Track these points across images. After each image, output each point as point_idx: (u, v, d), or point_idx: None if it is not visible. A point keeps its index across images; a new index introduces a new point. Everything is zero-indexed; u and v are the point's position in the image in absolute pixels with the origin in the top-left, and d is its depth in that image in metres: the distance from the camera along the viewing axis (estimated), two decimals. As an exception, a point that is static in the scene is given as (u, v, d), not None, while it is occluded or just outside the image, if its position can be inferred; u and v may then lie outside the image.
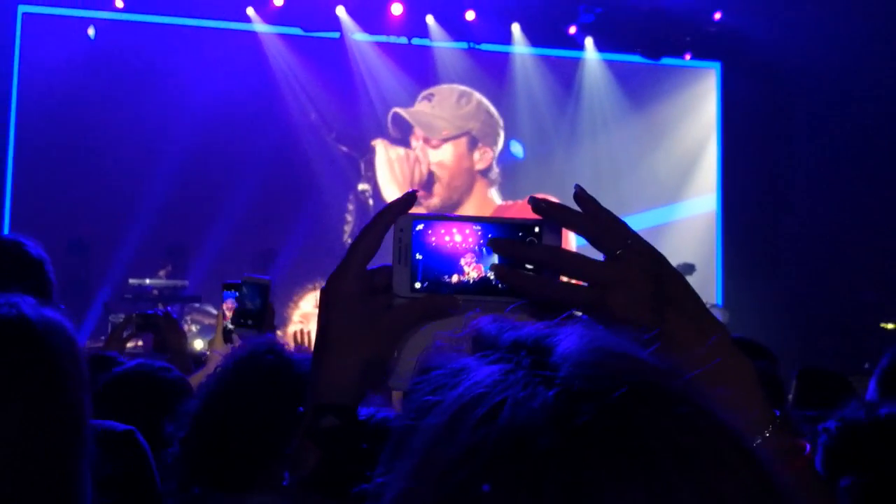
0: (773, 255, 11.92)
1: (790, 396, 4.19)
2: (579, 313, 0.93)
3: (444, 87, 11.70)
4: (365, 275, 1.01)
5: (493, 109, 11.82)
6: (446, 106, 11.66)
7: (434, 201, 11.43)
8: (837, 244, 11.03)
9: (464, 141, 11.63)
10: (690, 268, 11.01)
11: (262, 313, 3.21)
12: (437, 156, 11.52)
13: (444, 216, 1.03)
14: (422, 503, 0.60)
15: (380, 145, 11.39)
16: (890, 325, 10.02)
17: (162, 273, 9.94)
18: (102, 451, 1.83)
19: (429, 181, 11.46)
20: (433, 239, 1.00)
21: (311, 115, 11.20)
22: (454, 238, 1.00)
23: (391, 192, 11.29)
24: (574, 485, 0.56)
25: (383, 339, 0.99)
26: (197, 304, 10.05)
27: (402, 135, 11.46)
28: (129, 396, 2.67)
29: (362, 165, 11.37)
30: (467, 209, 11.53)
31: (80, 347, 1.48)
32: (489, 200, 11.73)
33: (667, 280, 0.95)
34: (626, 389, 0.60)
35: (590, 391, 0.60)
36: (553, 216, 0.98)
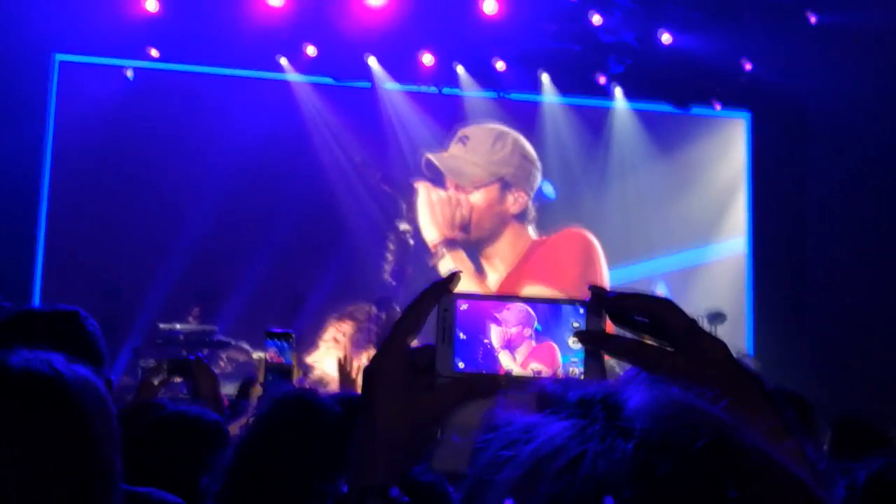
0: (804, 302, 11.83)
1: (825, 447, 4.14)
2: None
3: (480, 128, 11.69)
4: (408, 354, 1.01)
5: (529, 149, 11.78)
6: (481, 151, 11.64)
7: (468, 238, 11.48)
8: (869, 290, 10.94)
9: (496, 187, 11.62)
10: (721, 317, 10.95)
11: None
12: (469, 199, 11.55)
13: (489, 296, 1.04)
14: None
15: (422, 187, 11.45)
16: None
17: (191, 318, 9.98)
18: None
19: (467, 222, 11.49)
20: (476, 316, 1.00)
21: (354, 153, 11.28)
22: (498, 311, 1.00)
23: (430, 232, 11.38)
24: None
25: (426, 418, 1.00)
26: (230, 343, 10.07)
27: (436, 178, 11.51)
28: (169, 442, 2.68)
29: (403, 206, 11.43)
30: (500, 249, 11.53)
31: (112, 407, 1.47)
32: (523, 238, 11.70)
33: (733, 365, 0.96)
34: (702, 440, 0.61)
35: (669, 443, 0.62)
36: (606, 348, 0.98)
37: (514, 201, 11.70)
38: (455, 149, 11.63)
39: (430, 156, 11.48)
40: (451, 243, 11.35)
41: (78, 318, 2.54)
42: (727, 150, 12.46)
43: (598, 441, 0.63)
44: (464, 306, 1.00)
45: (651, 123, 12.05)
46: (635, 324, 0.95)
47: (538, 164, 11.83)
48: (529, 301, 1.01)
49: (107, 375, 1.58)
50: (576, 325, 0.99)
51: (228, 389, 9.12)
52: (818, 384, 10.49)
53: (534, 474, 0.63)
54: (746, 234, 12.34)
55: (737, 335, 11.50)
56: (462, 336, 1.00)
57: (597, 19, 10.87)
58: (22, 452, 1.33)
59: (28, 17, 10.07)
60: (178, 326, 9.73)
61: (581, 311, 0.98)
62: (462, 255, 11.35)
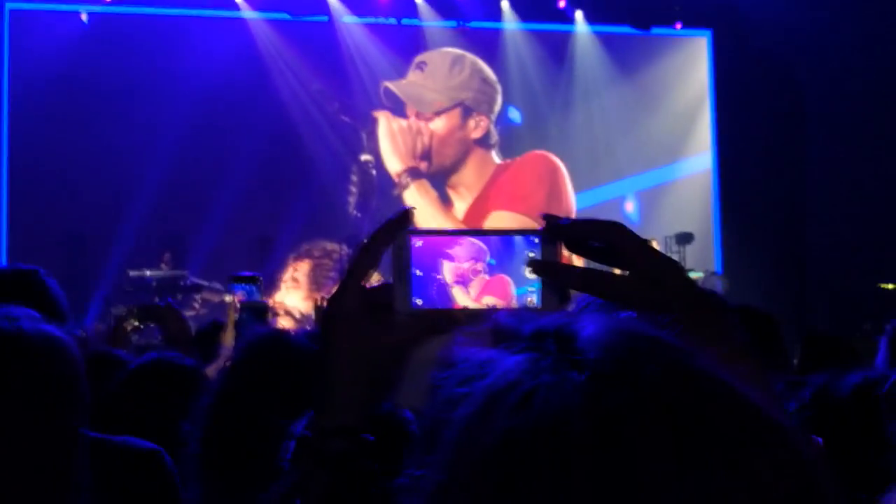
0: (769, 217, 11.92)
1: (795, 361, 4.20)
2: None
3: (437, 53, 11.59)
4: (364, 294, 1.00)
5: (489, 73, 11.71)
6: (438, 76, 11.56)
7: (431, 168, 11.43)
8: (835, 203, 11.05)
9: (457, 112, 11.56)
10: (690, 237, 11.04)
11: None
12: (430, 126, 11.46)
13: (442, 231, 1.02)
14: (462, 493, 0.62)
15: (382, 117, 11.36)
16: (890, 286, 10.04)
17: (163, 264, 9.90)
18: (127, 472, 1.83)
19: (428, 150, 11.44)
20: (430, 252, 1.00)
21: (312, 85, 11.16)
22: (450, 247, 1.00)
23: (393, 162, 11.33)
24: (610, 464, 0.59)
25: (386, 357, 0.99)
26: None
27: (396, 107, 11.42)
28: (150, 391, 2.68)
29: (364, 136, 11.34)
30: (465, 177, 11.51)
31: (80, 363, 1.46)
32: (488, 163, 11.68)
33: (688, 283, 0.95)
34: (654, 369, 0.62)
35: (620, 373, 0.63)
36: (559, 276, 0.97)
37: (476, 125, 11.64)
38: (413, 76, 11.53)
39: (388, 84, 11.37)
40: (414, 172, 11.30)
41: (38, 276, 2.52)
42: (690, 69, 12.45)
43: (550, 374, 0.63)
44: (418, 243, 0.99)
45: (613, 46, 11.99)
46: (590, 250, 0.95)
47: (498, 87, 11.76)
48: (483, 234, 1.00)
49: (74, 332, 1.57)
50: (531, 255, 0.98)
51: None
52: (785, 297, 10.64)
53: (488, 410, 0.63)
54: (712, 150, 12.38)
55: (705, 253, 11.61)
56: (418, 273, 0.99)
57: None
58: None
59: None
60: (147, 273, 9.67)
61: (536, 240, 0.98)
62: (426, 184, 11.32)
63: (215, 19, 10.89)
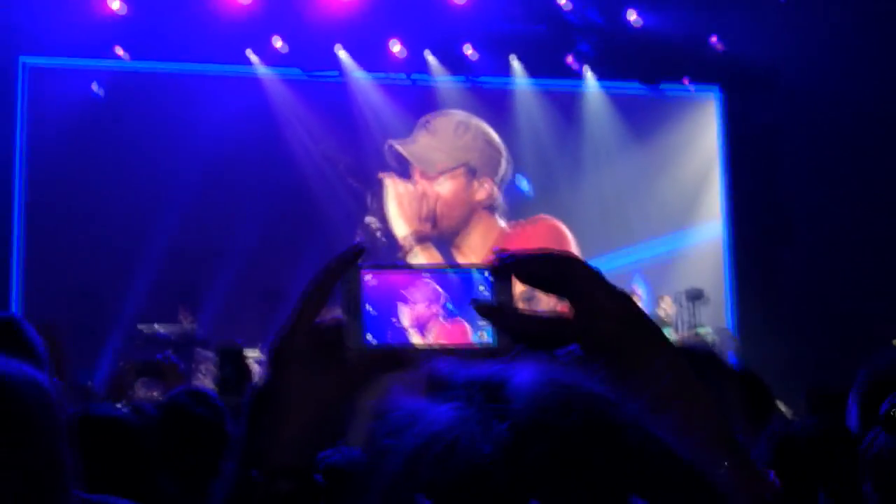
0: (781, 277, 11.87)
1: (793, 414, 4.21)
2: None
3: (443, 115, 11.67)
4: (314, 330, 0.98)
5: (494, 137, 11.76)
6: (444, 137, 11.62)
7: (436, 231, 11.44)
8: (845, 261, 11.00)
9: (461, 172, 11.59)
10: (700, 293, 10.98)
11: (232, 378, 3.34)
12: (435, 188, 11.50)
13: (393, 265, 1.01)
14: None
15: (388, 179, 11.40)
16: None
17: (181, 317, 9.88)
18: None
19: (434, 214, 11.46)
20: (383, 290, 0.98)
21: (318, 146, 11.23)
22: (405, 288, 0.98)
23: (399, 225, 11.32)
24: None
25: (336, 394, 0.97)
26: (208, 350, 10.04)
27: (402, 168, 11.47)
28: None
29: (369, 198, 11.38)
30: (471, 240, 11.50)
31: (55, 399, 1.46)
32: (493, 228, 11.69)
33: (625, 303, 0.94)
34: (576, 421, 0.61)
35: (541, 424, 0.61)
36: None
37: (480, 187, 11.65)
38: (419, 135, 11.60)
39: (394, 143, 11.43)
40: (420, 237, 11.30)
41: (15, 324, 2.52)
42: (700, 131, 12.46)
43: (474, 424, 0.62)
44: (369, 278, 0.98)
45: (623, 107, 12.02)
46: (542, 283, 0.94)
47: (504, 151, 11.80)
48: (437, 272, 0.98)
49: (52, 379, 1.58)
50: (483, 290, 0.98)
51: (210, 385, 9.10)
52: (799, 353, 10.56)
53: (414, 462, 0.63)
54: (723, 215, 12.35)
55: (717, 312, 11.53)
56: (371, 310, 0.97)
57: (563, 0, 10.90)
58: None
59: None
60: (156, 326, 9.69)
61: (487, 273, 0.97)
62: (432, 248, 11.32)
63: (228, 77, 11.01)
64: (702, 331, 10.04)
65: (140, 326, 9.67)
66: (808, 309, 11.37)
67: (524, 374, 0.67)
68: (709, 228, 12.32)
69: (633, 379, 0.70)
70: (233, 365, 3.26)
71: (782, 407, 5.69)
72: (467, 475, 0.60)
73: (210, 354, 9.99)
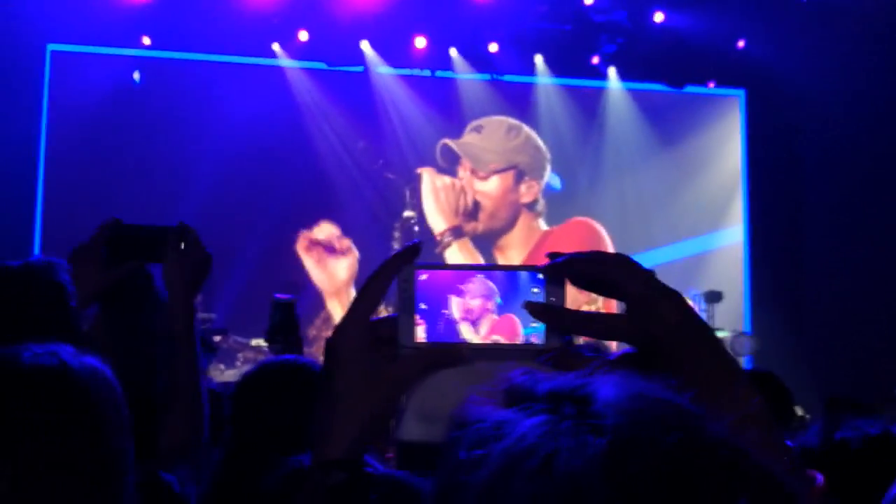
0: (800, 282, 11.84)
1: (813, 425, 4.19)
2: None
3: (494, 119, 11.77)
4: (369, 326, 1.00)
5: (541, 143, 11.85)
6: (495, 138, 11.73)
7: (478, 228, 11.49)
8: (865, 270, 10.94)
9: (511, 174, 11.69)
10: (718, 295, 10.96)
11: (279, 327, 3.43)
12: (483, 187, 11.57)
13: (448, 265, 1.04)
14: None
15: (426, 173, 11.45)
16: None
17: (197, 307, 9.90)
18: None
19: (474, 210, 11.50)
20: (437, 287, 1.00)
21: (359, 144, 11.29)
22: (460, 283, 1.00)
23: (436, 219, 11.37)
24: None
25: (388, 390, 0.99)
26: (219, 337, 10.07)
27: (449, 165, 11.52)
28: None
29: (407, 193, 11.42)
30: (511, 239, 11.57)
31: (119, 392, 1.49)
32: (534, 230, 11.74)
33: (688, 314, 0.96)
34: (674, 437, 0.62)
35: (640, 439, 0.63)
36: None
37: (527, 190, 11.76)
38: (470, 137, 11.70)
39: (448, 141, 11.49)
40: (457, 231, 11.34)
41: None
42: (724, 134, 12.40)
43: (569, 438, 0.64)
44: (424, 277, 1.00)
45: (646, 107, 11.98)
46: (594, 284, 0.95)
47: (548, 156, 11.89)
48: (490, 271, 1.01)
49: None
50: (535, 291, 0.99)
51: (230, 376, 9.15)
52: (815, 360, 10.52)
53: (508, 474, 0.64)
54: (744, 219, 12.29)
55: (735, 316, 11.50)
56: (423, 307, 1.00)
57: (589, 0, 10.87)
58: (36, 445, 1.37)
59: (20, 8, 10.04)
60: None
61: (541, 276, 0.99)
62: (468, 244, 11.36)
63: (252, 66, 11.03)
64: (720, 334, 10.01)
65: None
66: (826, 314, 11.33)
67: (608, 387, 0.68)
68: (730, 233, 12.26)
69: (688, 379, 0.72)
70: (282, 315, 3.32)
71: (800, 411, 5.69)
72: (565, 490, 0.61)
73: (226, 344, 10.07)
